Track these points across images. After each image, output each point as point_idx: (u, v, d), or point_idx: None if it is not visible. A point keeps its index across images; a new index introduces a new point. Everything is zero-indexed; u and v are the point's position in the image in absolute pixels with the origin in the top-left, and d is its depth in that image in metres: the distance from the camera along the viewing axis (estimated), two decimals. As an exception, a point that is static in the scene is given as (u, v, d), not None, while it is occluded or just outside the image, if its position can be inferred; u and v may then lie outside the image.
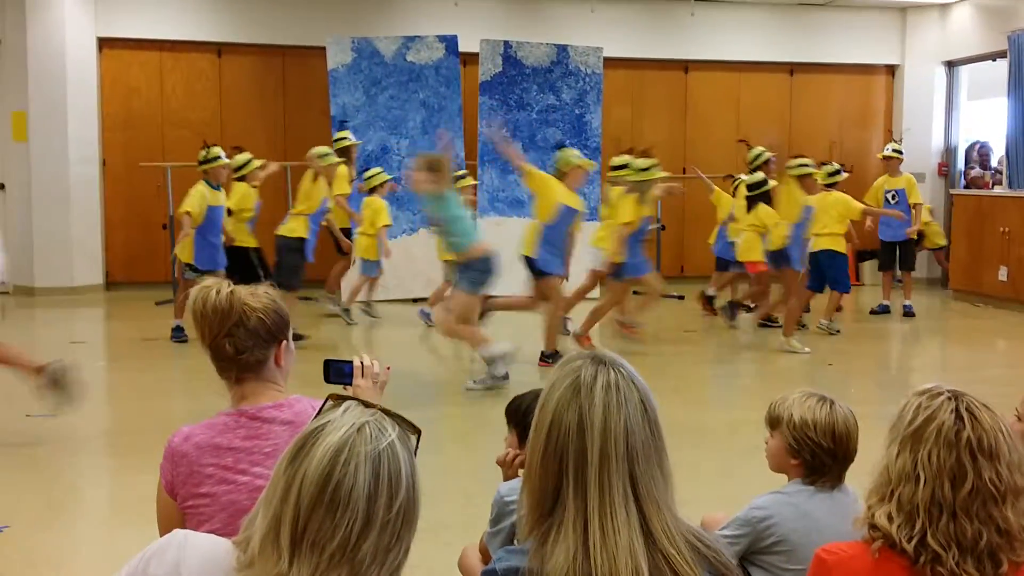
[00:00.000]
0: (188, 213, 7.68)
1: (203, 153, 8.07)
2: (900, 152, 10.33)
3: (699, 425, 5.63)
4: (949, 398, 1.67)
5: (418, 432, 1.41)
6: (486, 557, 2.55)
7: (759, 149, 9.13)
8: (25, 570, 3.61)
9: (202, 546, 1.39)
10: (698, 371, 7.62)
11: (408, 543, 1.34)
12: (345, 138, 9.44)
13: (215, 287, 2.21)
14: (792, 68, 12.65)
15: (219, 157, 8.09)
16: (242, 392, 2.20)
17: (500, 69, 10.99)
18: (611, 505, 1.47)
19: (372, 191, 9.19)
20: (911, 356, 8.59)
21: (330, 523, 1.26)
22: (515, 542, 2.22)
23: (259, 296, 2.22)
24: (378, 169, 9.44)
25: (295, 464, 1.29)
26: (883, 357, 8.59)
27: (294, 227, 8.11)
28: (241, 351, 2.17)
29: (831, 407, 2.36)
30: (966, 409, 1.65)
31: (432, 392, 6.92)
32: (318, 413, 1.37)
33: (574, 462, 1.49)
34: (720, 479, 4.63)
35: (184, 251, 7.85)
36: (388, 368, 2.52)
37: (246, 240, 8.43)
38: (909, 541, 1.62)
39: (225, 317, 2.17)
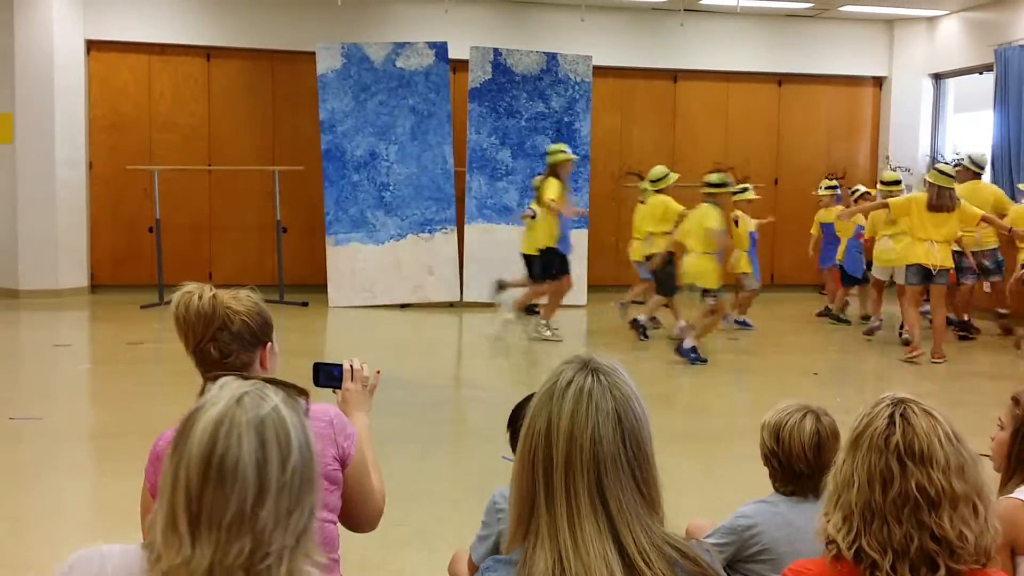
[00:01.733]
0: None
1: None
2: (833, 188, 10.35)
3: (687, 433, 5.64)
4: (889, 404, 1.66)
5: (305, 394, 1.39)
6: (471, 565, 2.54)
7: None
8: (4, 573, 3.59)
9: (115, 555, 1.37)
10: (685, 379, 7.63)
11: (311, 504, 1.32)
12: (561, 151, 8.86)
13: (197, 292, 2.20)
14: (780, 79, 12.72)
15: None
16: (227, 397, 2.19)
17: (490, 76, 11.00)
18: (579, 514, 1.44)
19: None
20: (894, 368, 8.61)
21: (222, 497, 1.24)
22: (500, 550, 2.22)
23: (241, 299, 2.21)
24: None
25: (179, 449, 1.28)
26: (871, 367, 8.62)
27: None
28: (226, 355, 2.16)
29: (792, 413, 2.37)
30: (901, 415, 1.64)
31: (419, 399, 6.91)
32: (199, 396, 1.36)
33: (543, 468, 1.47)
34: (706, 486, 4.63)
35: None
36: (378, 372, 2.51)
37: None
38: (849, 548, 1.61)
39: (209, 321, 2.16)
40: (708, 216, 7.71)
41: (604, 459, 1.46)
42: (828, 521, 1.67)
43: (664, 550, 1.47)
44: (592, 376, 1.51)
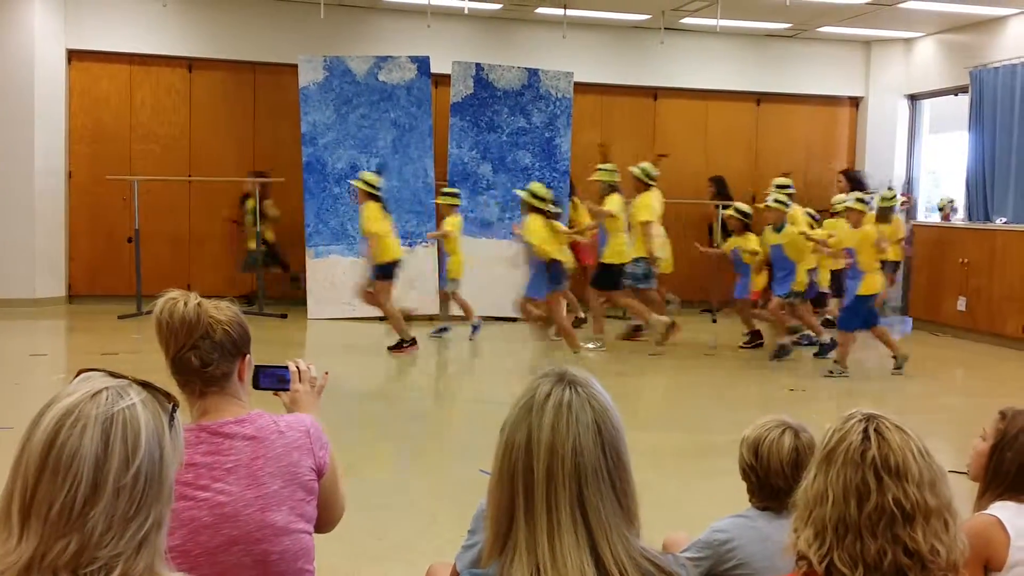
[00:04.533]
0: None
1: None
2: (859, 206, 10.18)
3: (662, 447, 5.68)
4: (861, 420, 1.68)
5: (174, 402, 1.33)
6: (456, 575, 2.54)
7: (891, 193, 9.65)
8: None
9: None
10: (662, 394, 7.67)
11: (159, 516, 1.25)
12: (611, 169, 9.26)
13: (182, 299, 2.18)
14: (759, 98, 12.85)
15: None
16: (204, 407, 2.16)
17: (471, 91, 11.05)
18: (559, 526, 1.45)
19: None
20: (869, 384, 8.69)
21: (53, 490, 1.19)
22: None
23: (223, 309, 2.20)
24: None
25: (24, 438, 1.23)
26: (844, 384, 8.68)
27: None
28: (207, 364, 2.14)
29: (771, 428, 2.39)
30: (875, 430, 1.65)
31: (397, 411, 6.91)
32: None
33: (523, 481, 1.47)
34: (682, 501, 4.66)
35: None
36: (326, 373, 2.51)
37: None
38: (820, 562, 1.62)
39: (192, 329, 2.14)
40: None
41: (585, 471, 1.47)
42: (798, 536, 1.67)
43: (640, 563, 1.48)
44: (570, 388, 1.52)
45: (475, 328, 9.52)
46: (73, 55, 10.97)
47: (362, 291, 8.80)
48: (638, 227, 9.07)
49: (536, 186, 8.70)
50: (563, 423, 1.48)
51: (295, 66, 10.74)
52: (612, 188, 9.19)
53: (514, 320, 10.27)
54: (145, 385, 1.31)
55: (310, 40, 11.11)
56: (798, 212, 9.23)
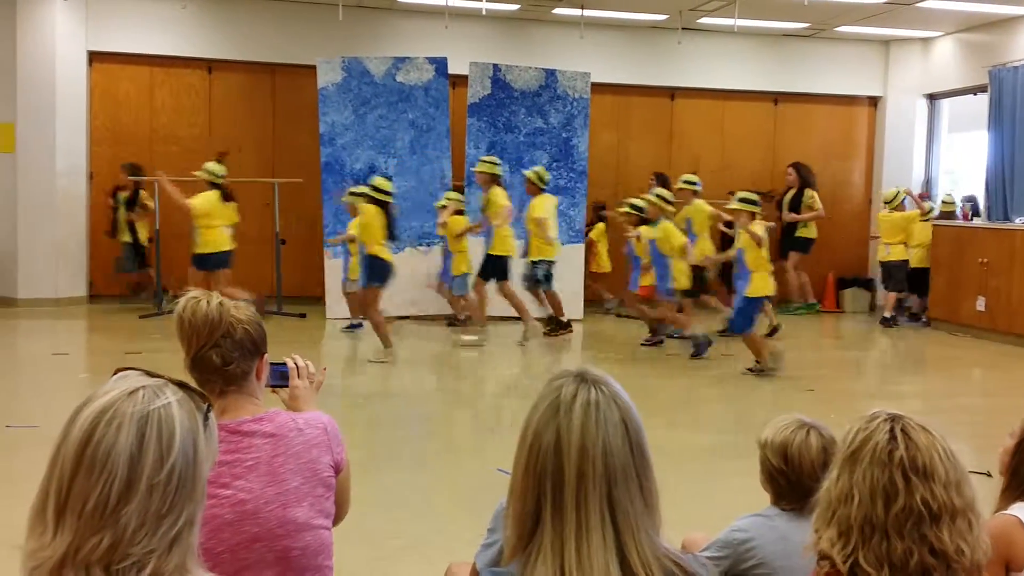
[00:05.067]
0: None
1: None
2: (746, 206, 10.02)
3: (680, 448, 5.68)
4: (886, 420, 1.68)
5: (208, 402, 1.35)
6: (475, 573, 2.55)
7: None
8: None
9: None
10: (680, 394, 7.67)
11: (191, 514, 1.27)
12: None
13: (204, 298, 2.22)
14: (776, 97, 12.81)
15: None
16: (223, 405, 2.19)
17: (489, 92, 11.07)
18: (587, 527, 1.45)
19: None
20: (888, 384, 8.66)
21: (88, 487, 1.20)
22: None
23: (241, 309, 2.24)
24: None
25: (61, 435, 1.25)
26: (862, 385, 8.66)
27: None
28: (228, 362, 2.18)
29: (795, 430, 2.37)
30: (901, 430, 1.66)
31: (414, 411, 6.94)
32: None
33: (552, 482, 1.47)
34: (700, 501, 4.66)
35: None
36: (324, 369, 2.54)
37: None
38: (845, 562, 1.62)
39: (214, 327, 2.18)
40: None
41: (615, 470, 1.47)
42: (821, 536, 1.67)
43: (664, 563, 1.49)
44: (594, 388, 1.52)
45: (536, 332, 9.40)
46: (94, 57, 11.06)
47: (356, 295, 8.96)
48: (533, 227, 9.25)
49: (378, 180, 8.65)
50: (592, 423, 1.48)
51: (313, 67, 10.80)
52: (494, 180, 9.42)
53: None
54: (181, 385, 1.32)
55: (328, 41, 11.16)
56: (703, 205, 9.58)
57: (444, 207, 9.80)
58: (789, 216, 11.73)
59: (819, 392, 7.59)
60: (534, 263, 9.35)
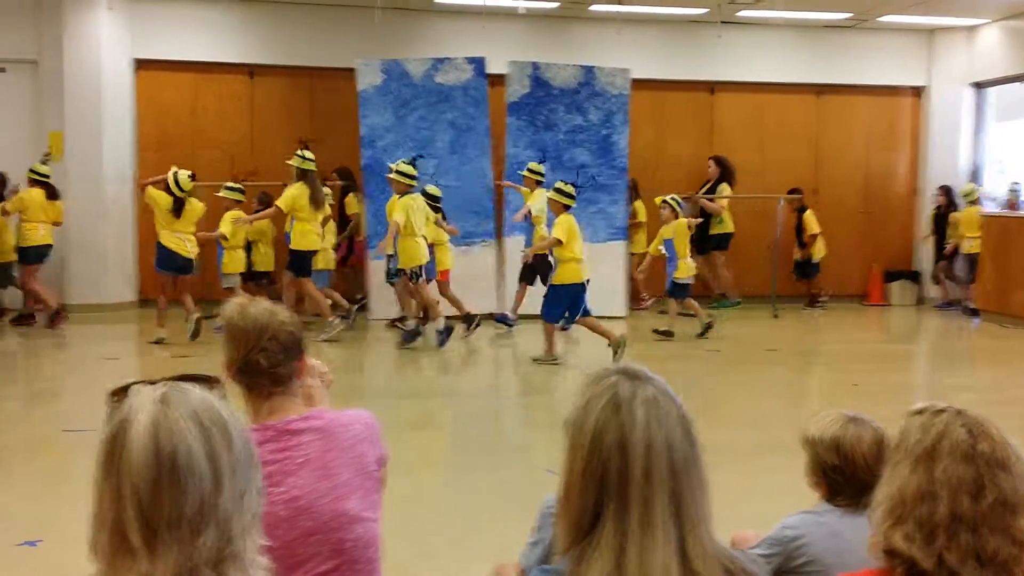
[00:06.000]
0: None
1: None
2: (672, 203, 9.81)
3: (727, 444, 5.65)
4: (956, 414, 1.68)
5: (219, 382, 1.38)
6: (521, 572, 2.57)
7: None
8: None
9: None
10: (724, 390, 7.63)
11: (258, 483, 1.31)
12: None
13: (251, 303, 2.28)
14: (819, 89, 12.67)
15: None
16: (271, 407, 2.24)
17: (528, 90, 11.08)
18: (651, 524, 1.45)
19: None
20: (938, 377, 8.55)
21: (180, 494, 1.21)
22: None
23: (282, 311, 2.28)
24: None
25: (112, 467, 1.23)
26: (910, 378, 8.56)
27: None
28: (274, 365, 2.22)
29: (844, 425, 2.35)
30: (975, 424, 1.66)
31: (458, 410, 6.97)
32: (108, 416, 1.30)
33: (617, 481, 1.47)
34: (748, 498, 4.64)
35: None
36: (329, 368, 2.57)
37: None
38: (927, 558, 1.61)
39: (263, 331, 2.22)
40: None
41: (679, 465, 1.48)
42: (890, 535, 1.66)
43: (722, 560, 1.50)
44: (650, 384, 1.52)
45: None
46: (140, 64, 11.24)
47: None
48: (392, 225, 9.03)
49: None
50: (655, 420, 1.49)
51: (352, 70, 10.87)
52: (303, 175, 9.35)
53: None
54: (183, 377, 1.36)
55: (367, 44, 11.23)
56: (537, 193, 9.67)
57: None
58: (696, 197, 11.50)
59: (864, 387, 7.51)
60: (389, 257, 9.29)
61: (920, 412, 1.71)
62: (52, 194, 9.82)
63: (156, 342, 8.90)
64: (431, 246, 9.23)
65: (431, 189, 9.65)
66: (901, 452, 1.70)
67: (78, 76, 10.77)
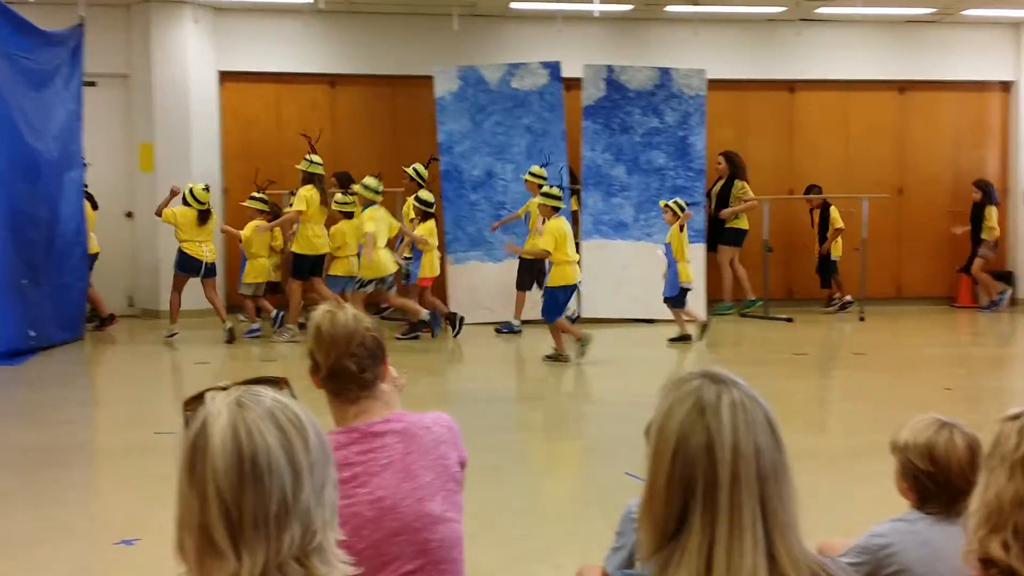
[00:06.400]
0: None
1: None
2: (673, 206, 9.40)
3: (815, 450, 5.56)
4: None
5: (283, 380, 1.39)
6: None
7: None
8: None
9: None
10: (812, 395, 7.51)
11: (334, 477, 1.33)
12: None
13: (337, 310, 2.34)
14: (902, 86, 12.38)
15: None
16: (357, 410, 2.30)
17: (603, 93, 11.07)
18: (739, 528, 1.44)
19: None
20: (986, 379, 8.27)
21: (263, 494, 1.24)
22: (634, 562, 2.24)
23: (363, 318, 2.35)
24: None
25: (196, 472, 1.27)
26: (1004, 382, 8.30)
27: None
28: (362, 369, 2.28)
29: (938, 430, 2.31)
30: None
31: (540, 415, 7.00)
32: (186, 424, 1.33)
33: (704, 485, 1.46)
34: (838, 505, 4.57)
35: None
36: (404, 372, 2.60)
37: None
38: None
39: (351, 336, 2.29)
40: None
41: (767, 469, 1.47)
42: (986, 543, 1.64)
43: (811, 566, 1.49)
44: (735, 388, 1.51)
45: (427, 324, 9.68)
46: (224, 76, 11.55)
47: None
48: (369, 237, 9.15)
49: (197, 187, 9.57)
50: (742, 423, 1.47)
51: (430, 78, 11.00)
52: (311, 178, 9.58)
53: (651, 322, 10.27)
54: (251, 381, 1.38)
55: (444, 51, 11.36)
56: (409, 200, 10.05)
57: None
58: (725, 212, 11.29)
59: (956, 391, 7.31)
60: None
61: (1016, 417, 1.68)
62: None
63: (170, 336, 9.54)
64: (419, 252, 9.80)
65: (424, 195, 9.81)
66: (997, 458, 1.67)
67: (166, 89, 11.11)
